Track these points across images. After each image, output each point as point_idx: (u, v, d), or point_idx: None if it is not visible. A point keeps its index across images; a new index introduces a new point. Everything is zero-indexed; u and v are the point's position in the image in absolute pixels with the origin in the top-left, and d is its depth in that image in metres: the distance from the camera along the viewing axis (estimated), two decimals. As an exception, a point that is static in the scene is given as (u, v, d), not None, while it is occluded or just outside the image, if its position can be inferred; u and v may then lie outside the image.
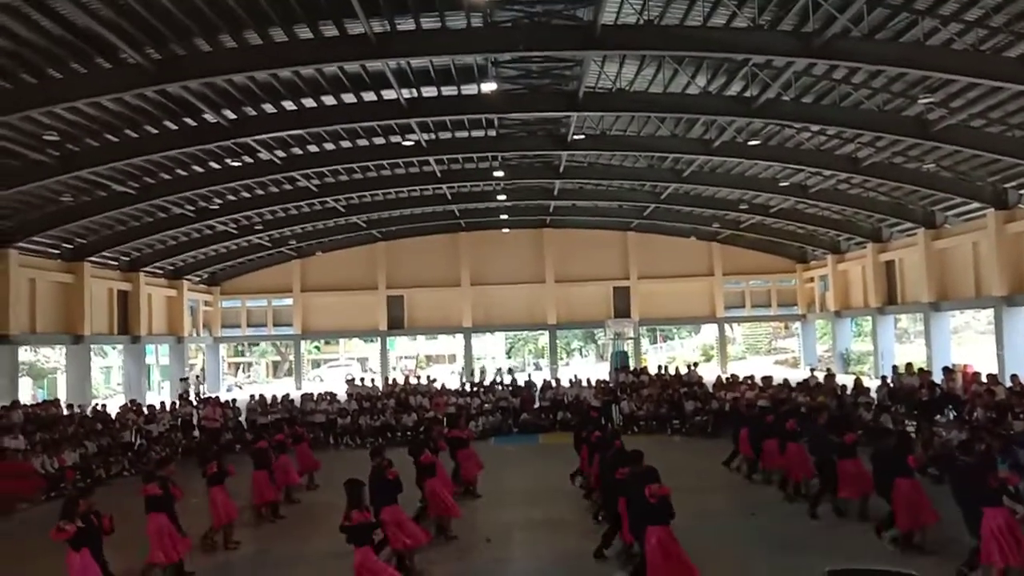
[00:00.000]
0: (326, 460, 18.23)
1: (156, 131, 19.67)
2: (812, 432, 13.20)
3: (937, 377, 20.39)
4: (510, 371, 34.32)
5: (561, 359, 45.66)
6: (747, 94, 19.03)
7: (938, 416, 18.11)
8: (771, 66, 17.86)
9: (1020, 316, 24.82)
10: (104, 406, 24.33)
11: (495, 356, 54.73)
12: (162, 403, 24.60)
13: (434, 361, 56.77)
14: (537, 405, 25.08)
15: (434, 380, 28.77)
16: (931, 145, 20.68)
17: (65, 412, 22.49)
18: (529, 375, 30.06)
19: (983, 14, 14.17)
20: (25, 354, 40.65)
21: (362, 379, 30.29)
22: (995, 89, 16.70)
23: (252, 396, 25.06)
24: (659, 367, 29.83)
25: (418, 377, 30.75)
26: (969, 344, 39.84)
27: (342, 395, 25.75)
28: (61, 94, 15.67)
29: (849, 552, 10.28)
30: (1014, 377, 18.49)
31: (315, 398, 24.73)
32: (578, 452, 14.80)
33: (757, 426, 15.17)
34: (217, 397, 26.70)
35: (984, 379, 19.14)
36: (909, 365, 22.65)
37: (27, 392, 37.65)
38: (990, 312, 27.11)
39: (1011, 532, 8.24)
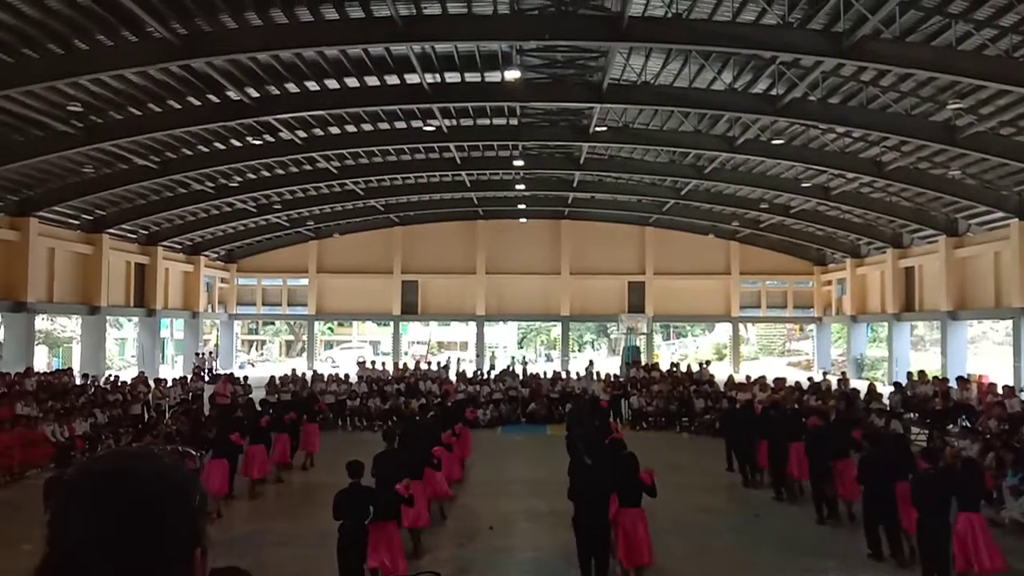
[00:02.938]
0: (333, 441, 18.38)
1: (179, 106, 19.73)
2: (809, 434, 13.18)
3: (952, 386, 20.22)
4: (524, 360, 34.30)
5: (573, 351, 45.62)
6: (773, 92, 18.83)
7: (951, 426, 17.98)
8: (799, 65, 17.66)
9: (1039, 329, 24.54)
10: (117, 377, 24.54)
11: (507, 345, 54.73)
12: (175, 378, 24.78)
13: (446, 348, 56.84)
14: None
15: (444, 366, 28.86)
16: (957, 152, 20.39)
17: (78, 381, 22.71)
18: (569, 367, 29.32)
19: (1018, 20, 13.93)
20: (42, 322, 41.08)
21: (373, 362, 30.40)
22: (1026, 97, 16.45)
23: (293, 371, 25.59)
24: (671, 364, 29.71)
25: (428, 363, 30.80)
26: (986, 354, 39.43)
27: (354, 377, 25.87)
28: (86, 65, 15.75)
29: (850, 557, 10.22)
30: (1030, 390, 18.30)
31: (326, 379, 24.84)
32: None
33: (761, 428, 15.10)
34: (231, 374, 26.85)
35: (999, 390, 18.94)
36: (922, 372, 22.47)
37: (42, 360, 38.05)
38: (1008, 323, 26.80)
39: (985, 536, 8.64)
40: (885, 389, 23.13)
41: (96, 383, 22.58)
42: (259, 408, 18.09)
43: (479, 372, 29.03)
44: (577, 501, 9.06)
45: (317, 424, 18.25)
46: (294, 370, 24.74)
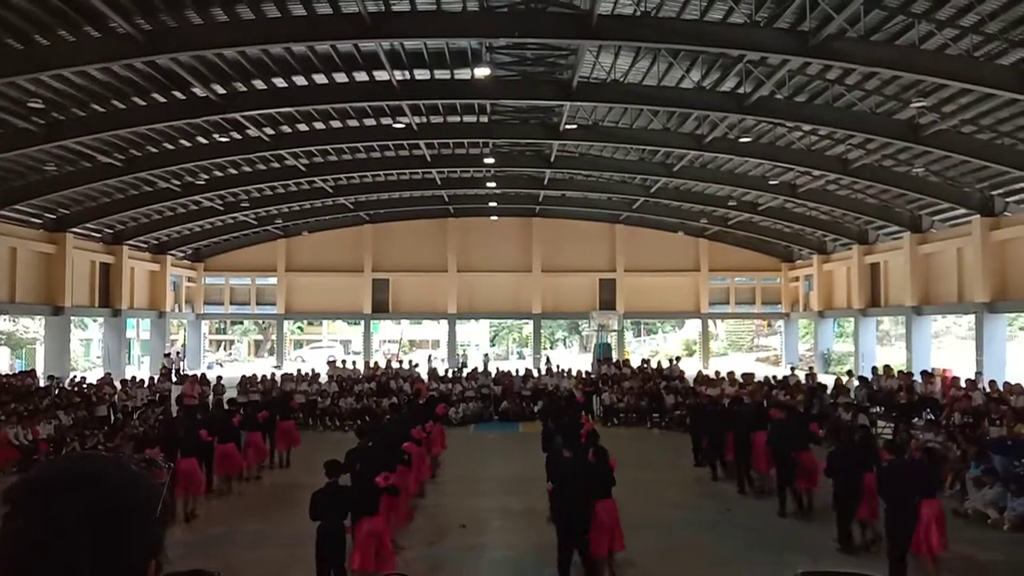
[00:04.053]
0: (304, 441, 18.25)
1: (144, 103, 19.42)
2: (773, 426, 13.36)
3: (917, 380, 20.53)
4: (485, 359, 34.34)
5: (544, 349, 45.66)
6: (741, 91, 18.99)
7: (916, 419, 18.26)
8: (766, 64, 17.84)
9: (1000, 322, 25.06)
10: (83, 379, 24.11)
11: (479, 343, 54.65)
12: (139, 378, 24.42)
13: (417, 346, 56.60)
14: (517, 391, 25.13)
15: (416, 365, 28.78)
16: (921, 149, 20.73)
17: (42, 384, 22.30)
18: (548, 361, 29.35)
19: (978, 20, 14.18)
20: (4, 323, 40.29)
21: (343, 361, 30.17)
22: (987, 96, 16.76)
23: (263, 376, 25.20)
24: (642, 360, 29.88)
25: (400, 361, 30.68)
26: (949, 349, 40.14)
27: (324, 377, 25.67)
28: (47, 61, 15.43)
29: (820, 549, 10.34)
30: (991, 383, 18.65)
31: (295, 378, 24.62)
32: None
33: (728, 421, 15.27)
34: (203, 374, 26.43)
35: (962, 384, 19.29)
36: (888, 367, 22.80)
37: (5, 362, 37.33)
38: (971, 317, 27.34)
39: (940, 522, 8.97)
40: (852, 383, 23.43)
41: (60, 385, 22.17)
42: (228, 408, 17.93)
43: (449, 370, 28.98)
44: (559, 496, 8.98)
45: (292, 421, 18.21)
46: (264, 375, 24.44)
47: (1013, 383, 18.14)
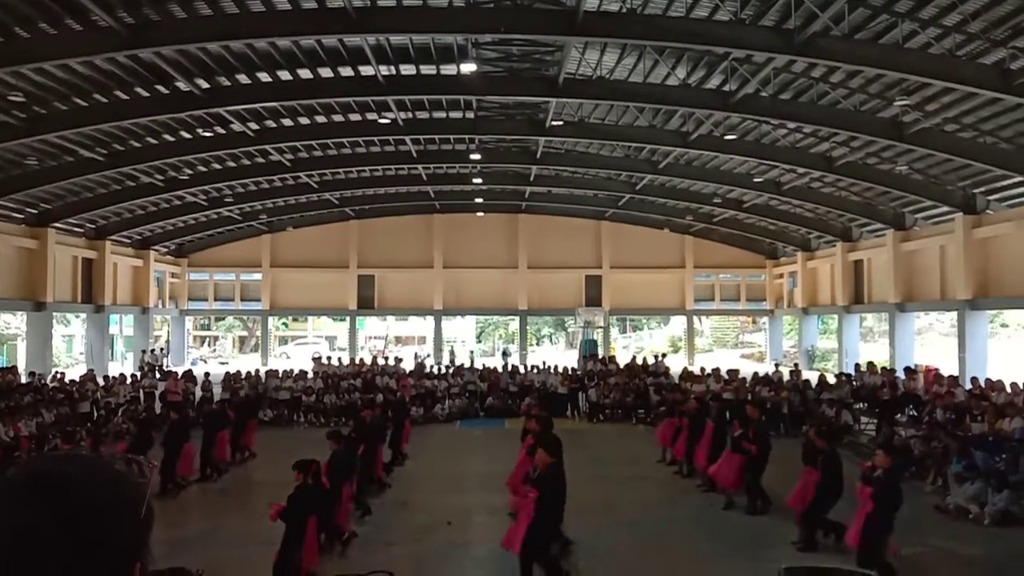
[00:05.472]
0: (289, 438, 18.17)
1: (127, 97, 19.25)
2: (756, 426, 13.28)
3: (900, 376, 20.70)
4: (471, 354, 34.39)
5: (531, 345, 45.68)
6: (726, 88, 19.04)
7: (899, 415, 18.41)
8: (751, 61, 17.89)
9: (982, 320, 25.27)
10: (62, 375, 23.89)
11: (465, 340, 54.63)
12: (122, 374, 24.22)
13: (403, 342, 56.51)
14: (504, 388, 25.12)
15: (401, 361, 28.70)
16: (904, 147, 20.86)
17: (24, 380, 22.09)
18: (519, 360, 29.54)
19: (961, 20, 14.28)
20: (-16, 319, 39.88)
21: (328, 358, 30.06)
22: (969, 95, 16.88)
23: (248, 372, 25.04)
24: (632, 357, 29.93)
25: (386, 357, 30.59)
26: (932, 346, 40.47)
27: (311, 373, 25.54)
28: (28, 54, 15.27)
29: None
30: (974, 379, 18.82)
31: (280, 375, 24.49)
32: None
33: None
34: (189, 371, 26.25)
35: (945, 381, 19.44)
36: (871, 363, 22.98)
37: (-15, 358, 36.90)
38: (954, 314, 27.56)
39: None
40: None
41: (42, 381, 21.97)
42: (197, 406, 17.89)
43: (434, 367, 28.91)
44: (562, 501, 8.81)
45: (255, 422, 18.21)
46: (249, 372, 24.27)
47: (994, 379, 18.33)
